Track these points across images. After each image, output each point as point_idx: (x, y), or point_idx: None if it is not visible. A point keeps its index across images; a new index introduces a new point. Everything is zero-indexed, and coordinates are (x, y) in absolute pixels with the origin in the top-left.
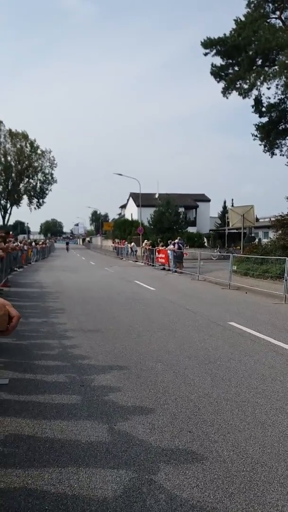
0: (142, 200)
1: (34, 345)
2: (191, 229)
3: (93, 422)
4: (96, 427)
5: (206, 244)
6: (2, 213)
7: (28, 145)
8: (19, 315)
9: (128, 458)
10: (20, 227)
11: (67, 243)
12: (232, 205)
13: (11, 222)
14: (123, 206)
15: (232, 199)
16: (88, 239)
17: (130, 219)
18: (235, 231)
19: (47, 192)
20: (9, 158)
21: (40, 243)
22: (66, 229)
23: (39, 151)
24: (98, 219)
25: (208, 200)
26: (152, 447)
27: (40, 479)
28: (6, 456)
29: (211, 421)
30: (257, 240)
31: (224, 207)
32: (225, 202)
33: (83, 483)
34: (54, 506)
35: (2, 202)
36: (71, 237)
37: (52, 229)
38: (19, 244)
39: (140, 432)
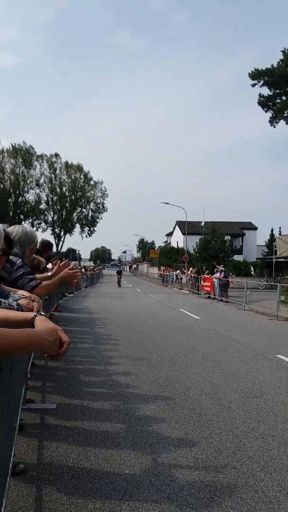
0: (188, 228)
1: (82, 370)
2: (237, 257)
3: (137, 452)
4: (140, 457)
5: (252, 272)
6: (56, 240)
7: (82, 176)
8: (69, 340)
9: (171, 492)
10: (72, 254)
11: (118, 272)
12: (280, 233)
13: (64, 249)
14: (169, 234)
15: (280, 227)
16: (134, 266)
17: (176, 246)
18: (283, 259)
19: (98, 220)
20: (64, 189)
21: (90, 269)
22: (114, 256)
23: (92, 182)
24: (144, 246)
25: (255, 228)
26: (195, 481)
27: (84, 509)
28: (52, 482)
29: (257, 458)
30: None
31: (272, 235)
32: (272, 230)
33: None
34: None
35: (56, 230)
36: (119, 264)
37: (101, 256)
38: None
39: (184, 466)
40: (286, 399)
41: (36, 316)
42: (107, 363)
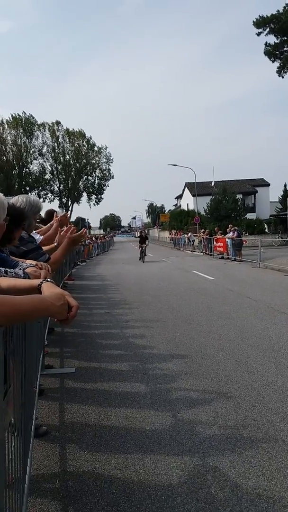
0: (198, 189)
1: (98, 335)
2: (250, 216)
3: (157, 409)
4: (160, 414)
5: (266, 230)
6: (64, 210)
7: (85, 143)
8: (78, 304)
9: (192, 445)
10: (81, 223)
11: (141, 239)
12: None
13: (72, 219)
14: (179, 197)
15: None
16: (145, 231)
17: (186, 209)
18: None
19: (105, 188)
20: (67, 157)
21: (100, 237)
22: (124, 223)
23: (95, 148)
24: (154, 211)
25: (268, 185)
26: (216, 435)
27: (107, 464)
28: (75, 442)
29: (276, 409)
30: None
31: (285, 191)
32: (285, 186)
33: (149, 468)
34: (121, 489)
35: (63, 200)
36: (129, 230)
37: (111, 223)
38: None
39: (204, 420)
40: None
41: (43, 282)
42: (122, 326)
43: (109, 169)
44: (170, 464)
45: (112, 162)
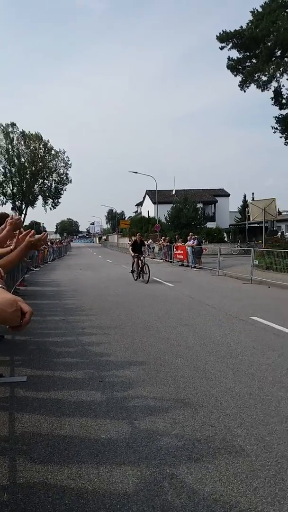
0: (158, 197)
1: (53, 342)
2: (210, 225)
3: (113, 417)
4: (116, 422)
5: (226, 239)
6: (18, 214)
7: (41, 146)
8: (31, 310)
9: (149, 453)
10: (36, 227)
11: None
12: (253, 199)
13: (26, 223)
14: (140, 204)
15: (253, 193)
16: (104, 237)
17: (147, 216)
18: (256, 225)
19: (62, 192)
20: (22, 159)
21: (56, 242)
22: (82, 228)
23: (52, 152)
24: (114, 217)
25: (228, 195)
26: (173, 441)
27: (60, 474)
28: (25, 452)
29: (233, 415)
30: (279, 233)
31: (245, 201)
32: (245, 196)
33: (104, 477)
34: (74, 500)
35: (17, 203)
36: (87, 236)
37: (68, 228)
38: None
39: (161, 427)
40: (262, 359)
41: None
42: (78, 333)
43: (66, 174)
44: (126, 472)
45: (70, 167)
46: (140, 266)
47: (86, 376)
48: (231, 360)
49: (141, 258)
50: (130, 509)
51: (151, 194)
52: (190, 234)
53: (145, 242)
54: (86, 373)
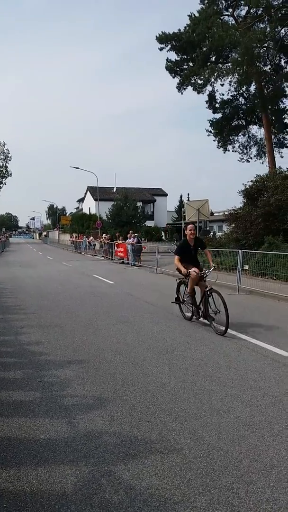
0: (100, 194)
1: None
2: (149, 223)
3: (52, 417)
4: (55, 422)
5: (163, 237)
6: None
7: None
8: None
9: (88, 451)
10: None
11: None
12: (188, 199)
13: None
14: (81, 200)
15: (188, 193)
16: (44, 233)
17: (88, 213)
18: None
19: (1, 186)
20: None
21: None
22: (22, 223)
23: None
24: (55, 213)
25: (165, 195)
26: (111, 439)
27: None
28: None
29: (169, 410)
30: (212, 233)
31: (181, 201)
32: (181, 196)
33: (42, 478)
34: (12, 503)
35: None
36: (27, 232)
37: (6, 223)
38: None
39: (100, 425)
40: (195, 354)
41: None
42: (17, 333)
43: (6, 167)
44: (65, 471)
45: (10, 160)
46: (204, 296)
47: (25, 376)
48: (167, 356)
49: (204, 276)
50: (69, 508)
51: (93, 190)
52: (130, 232)
53: (87, 238)
54: (25, 373)
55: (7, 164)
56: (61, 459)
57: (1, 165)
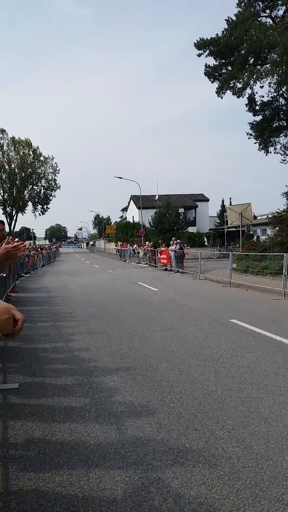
0: (142, 202)
1: (43, 349)
2: (191, 229)
3: (101, 423)
4: (105, 428)
5: (206, 243)
6: (8, 220)
7: (31, 152)
8: (24, 318)
9: (137, 458)
10: (26, 233)
11: None
12: (230, 204)
13: (17, 229)
14: (125, 209)
15: (230, 198)
16: (91, 243)
17: (131, 221)
18: (234, 229)
19: (51, 198)
20: (12, 165)
21: (46, 248)
22: (70, 233)
23: (41, 158)
24: (100, 222)
25: (207, 200)
26: (159, 446)
27: (52, 482)
28: (18, 460)
29: (216, 418)
30: (255, 237)
31: (223, 206)
32: (223, 201)
33: (93, 484)
34: (65, 508)
35: (7, 209)
36: (75, 242)
37: (56, 234)
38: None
39: (148, 432)
40: (241, 361)
41: None
42: (68, 339)
43: (55, 179)
44: (115, 478)
45: (58, 173)
46: None
47: (75, 382)
48: (213, 363)
49: None
50: None
51: (136, 199)
52: (173, 239)
53: (131, 246)
54: (76, 379)
55: (55, 177)
56: (110, 465)
57: (51, 178)
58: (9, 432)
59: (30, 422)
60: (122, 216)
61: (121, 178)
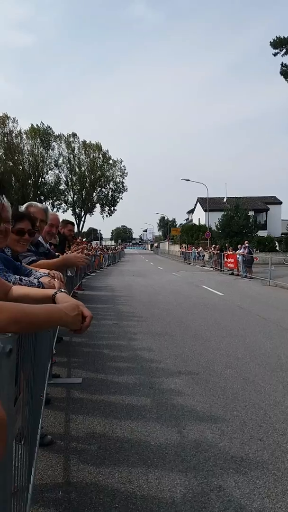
0: (209, 204)
1: (106, 346)
2: (261, 233)
3: (162, 424)
4: (165, 429)
5: (277, 248)
6: (77, 220)
7: (100, 155)
8: (92, 315)
9: (197, 463)
10: (93, 234)
11: None
12: None
13: (85, 229)
14: (191, 211)
15: None
16: (156, 244)
17: (197, 224)
18: None
19: (118, 200)
20: (82, 168)
21: (111, 248)
22: (135, 235)
23: (110, 161)
24: (165, 224)
25: (280, 203)
26: (221, 453)
27: (111, 477)
28: (79, 453)
29: (282, 430)
30: None
31: None
32: None
33: (152, 484)
34: (123, 504)
35: (77, 210)
36: (140, 243)
37: (122, 235)
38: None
39: (209, 438)
40: None
41: (57, 293)
42: (130, 338)
43: (122, 182)
44: (174, 480)
45: (126, 176)
46: None
47: (137, 382)
48: (281, 374)
49: None
50: None
51: (203, 201)
52: (246, 242)
53: (196, 249)
54: (137, 379)
55: (123, 180)
56: (170, 467)
57: (119, 181)
58: (71, 426)
59: (91, 417)
60: (188, 218)
61: (188, 180)
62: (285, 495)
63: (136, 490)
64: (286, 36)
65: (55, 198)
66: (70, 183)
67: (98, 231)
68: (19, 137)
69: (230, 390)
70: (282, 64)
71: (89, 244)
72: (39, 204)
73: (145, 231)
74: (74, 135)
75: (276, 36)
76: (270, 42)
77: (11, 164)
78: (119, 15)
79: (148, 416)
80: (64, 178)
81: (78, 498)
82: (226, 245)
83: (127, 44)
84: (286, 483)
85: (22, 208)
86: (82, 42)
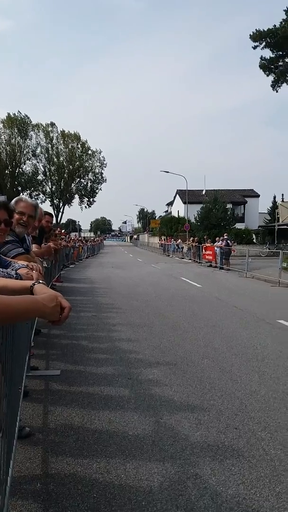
0: (188, 196)
1: (85, 338)
2: (239, 226)
3: (140, 414)
4: (143, 420)
5: (254, 240)
6: (55, 211)
7: (79, 146)
8: (70, 306)
9: (174, 452)
10: (72, 225)
11: None
12: (282, 200)
13: (63, 221)
14: (170, 203)
15: (283, 194)
16: (135, 236)
17: (177, 216)
18: (286, 226)
19: (97, 191)
20: (61, 159)
21: (90, 240)
22: (115, 226)
23: (89, 152)
24: (145, 216)
25: (257, 196)
26: (198, 442)
27: (89, 468)
28: (57, 444)
29: (258, 418)
30: None
31: (274, 203)
32: (275, 197)
33: (130, 474)
34: (101, 494)
35: (55, 201)
36: (119, 234)
37: (101, 227)
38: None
39: (186, 427)
40: (287, 362)
41: (35, 284)
42: (109, 330)
43: (101, 173)
44: (152, 470)
45: (105, 167)
46: None
47: (115, 373)
48: (257, 363)
49: None
50: (155, 506)
51: (182, 193)
52: (225, 235)
53: (175, 241)
54: (116, 370)
55: (102, 171)
56: (148, 457)
57: (98, 171)
58: (49, 417)
59: (70, 409)
60: (167, 210)
61: (167, 172)
62: (259, 481)
63: (114, 480)
64: (265, 29)
65: (32, 188)
66: (48, 173)
67: (77, 223)
68: None
69: (207, 380)
70: (261, 58)
71: (67, 236)
72: (29, 200)
73: (125, 222)
74: (52, 124)
75: (256, 29)
76: (250, 35)
77: None
78: (101, 2)
79: (126, 407)
80: (42, 169)
81: (57, 489)
82: (205, 237)
83: (109, 33)
84: (260, 470)
85: (12, 202)
86: (63, 29)
